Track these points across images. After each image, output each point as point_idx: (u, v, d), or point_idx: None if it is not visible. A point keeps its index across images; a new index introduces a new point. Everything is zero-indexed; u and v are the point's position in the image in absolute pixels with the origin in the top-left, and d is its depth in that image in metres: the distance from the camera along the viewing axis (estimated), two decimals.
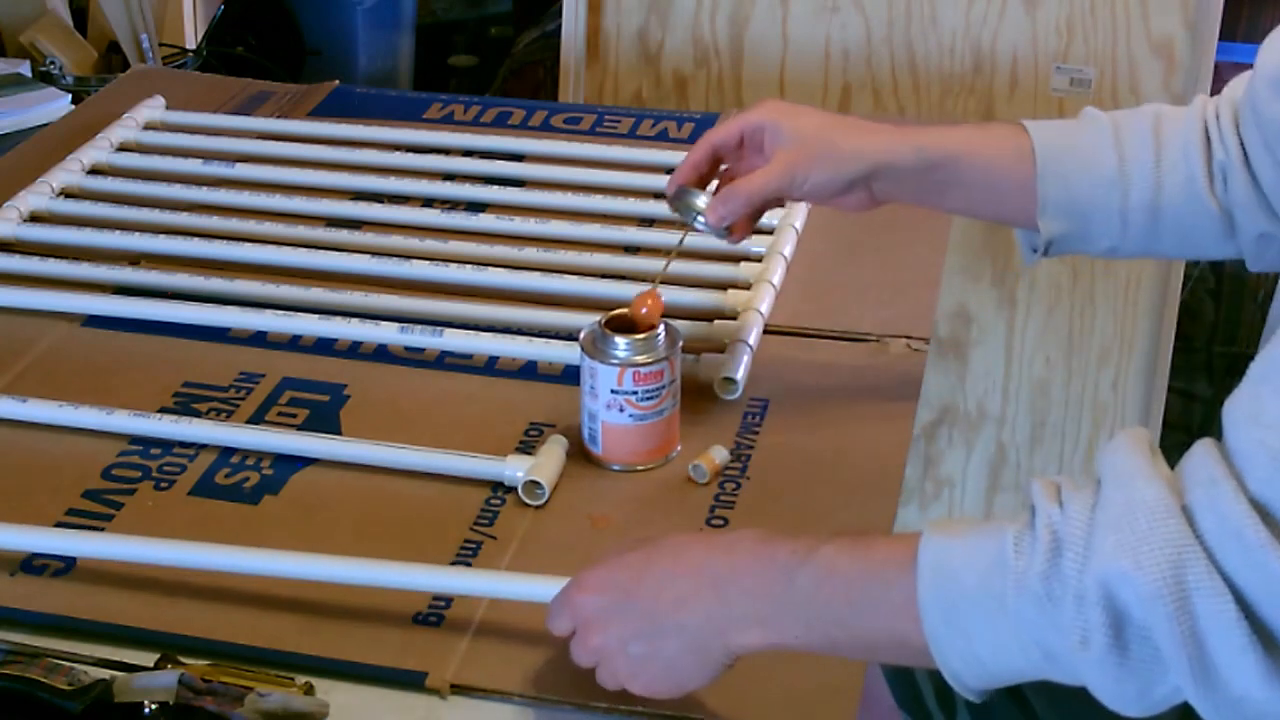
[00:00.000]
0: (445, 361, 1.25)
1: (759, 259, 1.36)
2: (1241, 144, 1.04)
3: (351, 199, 1.49)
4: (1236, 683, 0.68)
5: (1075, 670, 0.73)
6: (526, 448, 1.14)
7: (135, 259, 1.39)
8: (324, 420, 1.17)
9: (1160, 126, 1.07)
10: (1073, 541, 0.72)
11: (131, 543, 1.01)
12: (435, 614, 0.97)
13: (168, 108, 1.67)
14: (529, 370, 1.24)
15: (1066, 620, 0.72)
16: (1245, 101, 1.03)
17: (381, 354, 1.26)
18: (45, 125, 1.77)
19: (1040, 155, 1.06)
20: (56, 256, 1.38)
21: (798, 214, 1.42)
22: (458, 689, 0.92)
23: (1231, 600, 0.68)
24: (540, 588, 0.93)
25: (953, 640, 0.76)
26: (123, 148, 1.58)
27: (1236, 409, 0.72)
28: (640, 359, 1.08)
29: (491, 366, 1.25)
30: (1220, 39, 1.95)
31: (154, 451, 1.14)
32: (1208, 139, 1.05)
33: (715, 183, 1.14)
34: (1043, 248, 1.10)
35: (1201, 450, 0.72)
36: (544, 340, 1.25)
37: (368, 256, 1.37)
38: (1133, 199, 1.06)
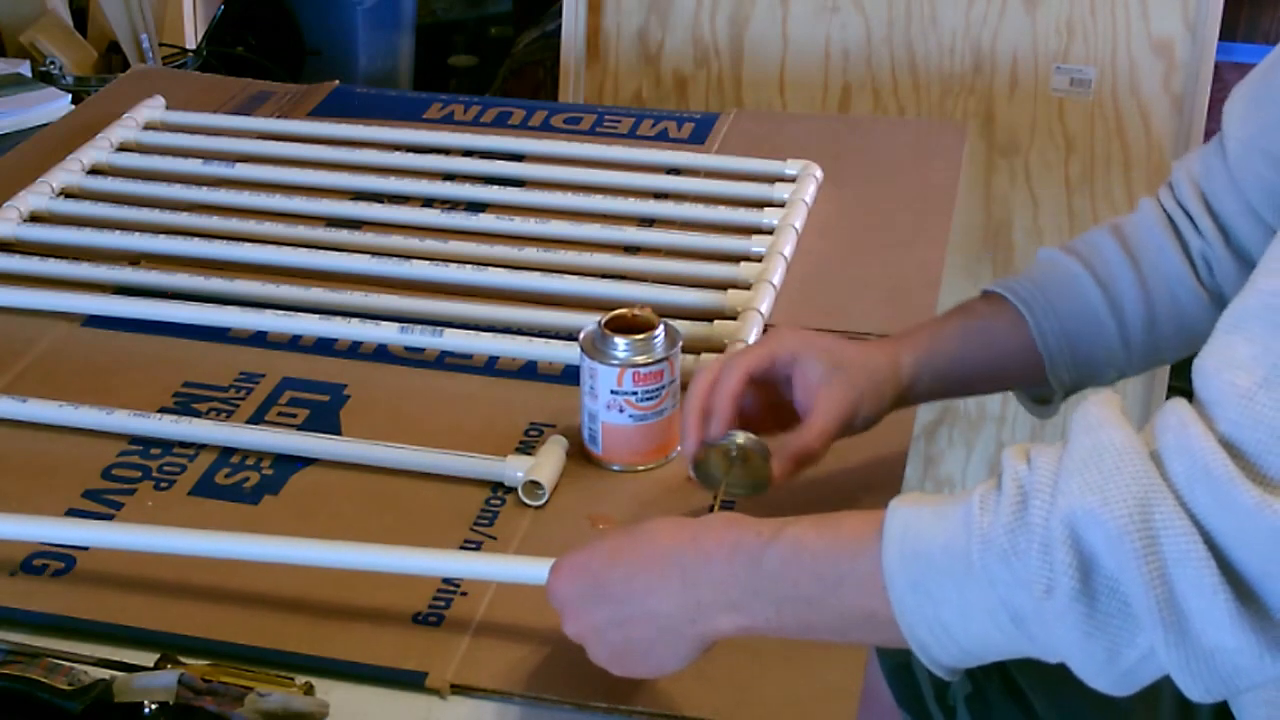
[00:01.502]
0: (445, 361, 1.25)
1: (759, 259, 1.36)
2: (1216, 222, 1.03)
3: (351, 199, 1.49)
4: (1208, 631, 0.67)
5: (1044, 630, 0.72)
6: (526, 448, 1.14)
7: (135, 259, 1.39)
8: (324, 420, 1.17)
9: (1123, 238, 1.06)
10: (1039, 490, 0.71)
11: (135, 532, 1.00)
12: (435, 614, 0.97)
13: (168, 108, 1.67)
14: (529, 370, 1.24)
15: (1032, 571, 0.70)
16: (1214, 174, 1.02)
17: (381, 354, 1.26)
18: (45, 125, 1.77)
19: (1031, 317, 1.05)
20: (56, 256, 1.38)
21: (798, 214, 1.42)
22: (458, 689, 0.92)
23: (1200, 541, 0.67)
24: (542, 570, 0.92)
25: (920, 608, 0.75)
26: (123, 148, 1.58)
27: (1206, 360, 0.71)
28: (640, 359, 1.08)
29: (491, 366, 1.25)
30: (1220, 39, 1.96)
31: (154, 451, 1.14)
32: (1176, 231, 1.04)
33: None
34: (1060, 397, 1.08)
35: (1170, 403, 0.71)
36: (544, 340, 1.25)
37: (368, 256, 1.37)
38: (1128, 320, 1.05)
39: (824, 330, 1.28)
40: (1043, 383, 1.07)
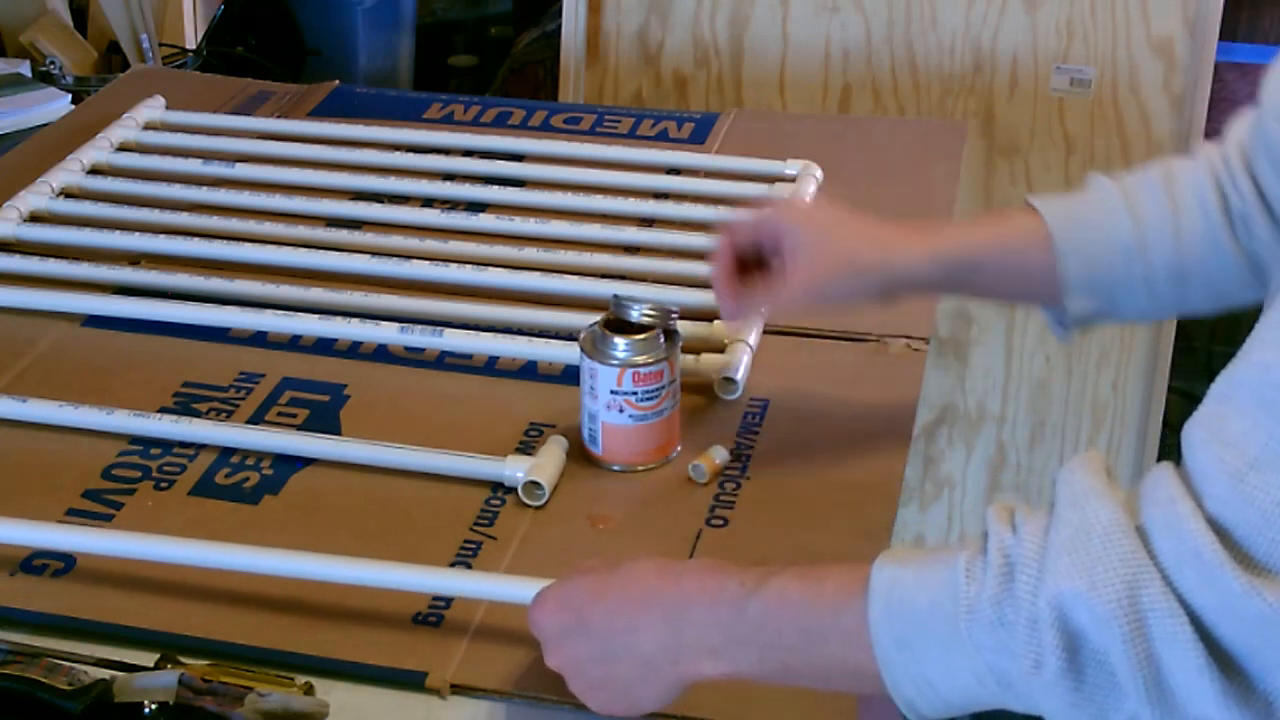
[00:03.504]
0: (445, 361, 1.25)
1: None
2: (1257, 187, 1.01)
3: (351, 199, 1.49)
4: (1193, 706, 0.68)
5: (1030, 696, 0.72)
6: (526, 448, 1.14)
7: (135, 259, 1.39)
8: (324, 420, 1.17)
9: (1171, 183, 1.04)
10: (1026, 564, 0.71)
11: (132, 539, 1.01)
12: (435, 614, 0.97)
13: (168, 108, 1.67)
14: (529, 370, 1.24)
15: (1019, 645, 0.71)
16: (1254, 141, 1.01)
17: (381, 354, 1.26)
18: (45, 125, 1.77)
19: (1056, 236, 1.04)
20: (56, 256, 1.38)
21: None
22: (457, 689, 0.92)
23: (1187, 621, 0.67)
24: (530, 592, 0.93)
25: (905, 666, 0.76)
26: (123, 148, 1.58)
27: (1197, 429, 0.71)
28: (640, 359, 1.08)
29: (491, 366, 1.25)
30: (1220, 39, 1.95)
31: (154, 451, 1.14)
32: (1221, 189, 1.03)
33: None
34: (1072, 324, 1.07)
35: (1159, 471, 0.71)
36: (544, 340, 1.25)
37: (368, 256, 1.37)
38: (1155, 264, 1.03)
39: (824, 331, 1.28)
40: (1060, 305, 1.06)
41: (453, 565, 1.02)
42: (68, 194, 1.49)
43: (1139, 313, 1.07)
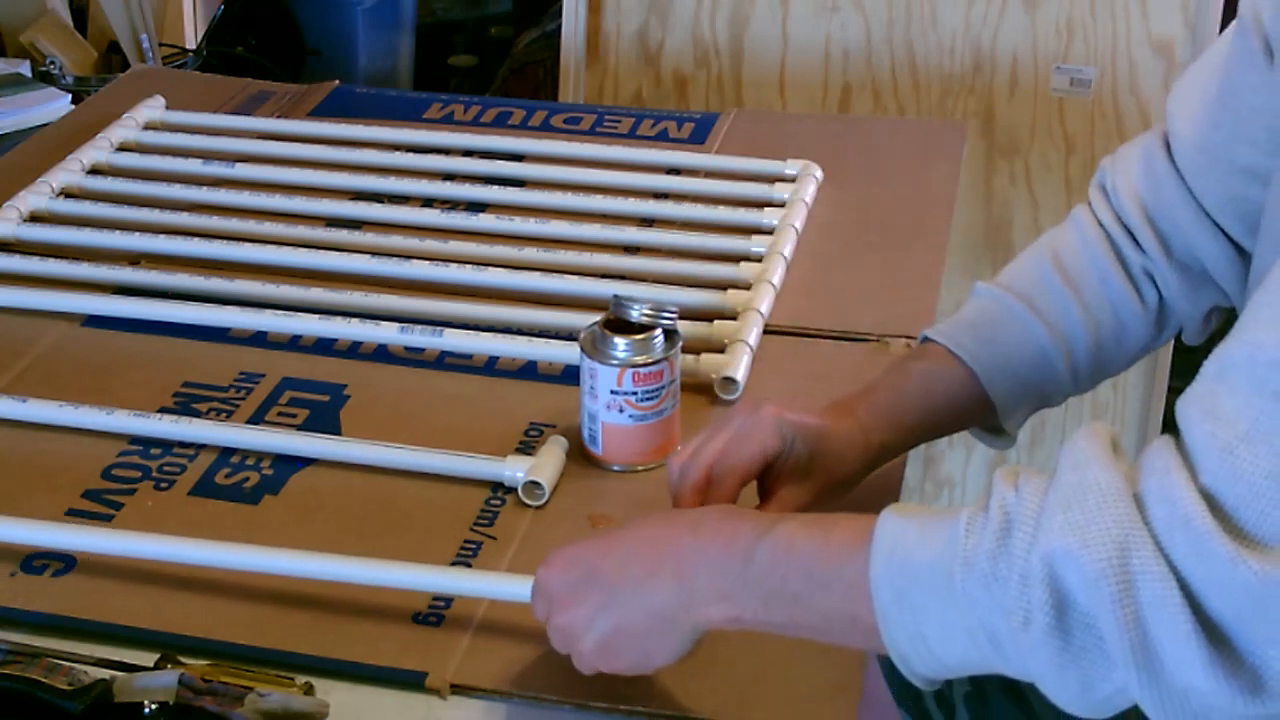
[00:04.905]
0: (445, 361, 1.25)
1: (759, 259, 1.36)
2: (1159, 236, 1.03)
3: (351, 199, 1.49)
4: (1180, 672, 0.68)
5: (1020, 657, 0.73)
6: (526, 448, 1.14)
7: (135, 259, 1.39)
8: (324, 420, 1.17)
9: (1064, 269, 1.06)
10: (1023, 521, 0.72)
11: (132, 539, 1.01)
12: (435, 614, 0.98)
13: (168, 108, 1.67)
14: (529, 370, 1.24)
15: (1010, 600, 0.71)
16: (1161, 183, 1.02)
17: (381, 354, 1.26)
18: (45, 125, 1.77)
19: (979, 372, 1.05)
20: (56, 256, 1.38)
21: (798, 214, 1.42)
22: (458, 689, 0.92)
23: (1176, 587, 0.67)
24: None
25: (902, 620, 0.76)
26: (123, 148, 1.58)
27: (1190, 406, 0.72)
28: (640, 359, 1.08)
29: (491, 366, 1.25)
30: None
31: (154, 451, 1.14)
32: (1116, 253, 1.05)
33: None
34: (1015, 432, 1.10)
35: (1159, 443, 0.72)
36: (544, 340, 1.25)
37: (368, 256, 1.37)
38: (1077, 353, 1.06)
39: (824, 331, 1.29)
40: (996, 423, 1.09)
41: (453, 565, 1.02)
42: (68, 194, 1.49)
43: (1065, 398, 1.10)
